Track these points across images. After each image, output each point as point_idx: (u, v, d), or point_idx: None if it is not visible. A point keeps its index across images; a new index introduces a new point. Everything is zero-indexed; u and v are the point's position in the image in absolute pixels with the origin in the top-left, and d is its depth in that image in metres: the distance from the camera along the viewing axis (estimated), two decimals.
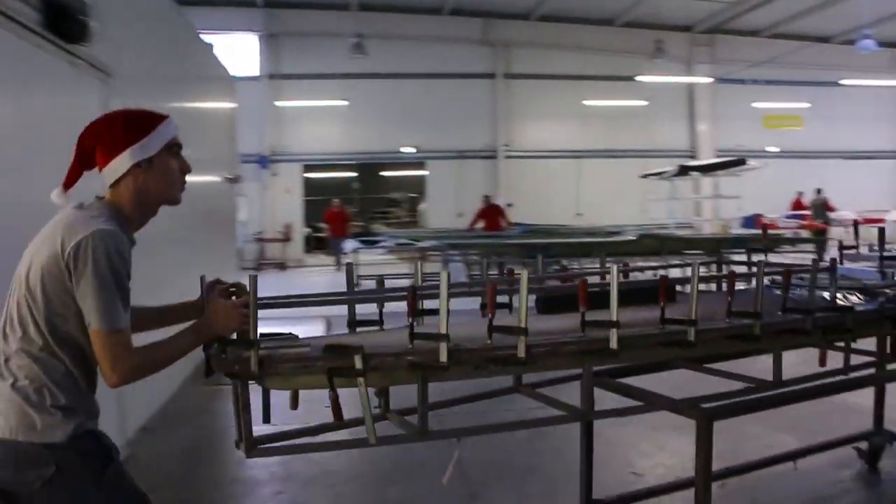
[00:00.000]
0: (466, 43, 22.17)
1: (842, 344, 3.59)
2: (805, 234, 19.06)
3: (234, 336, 2.31)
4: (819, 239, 14.40)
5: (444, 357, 2.44)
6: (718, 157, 21.14)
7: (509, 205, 20.78)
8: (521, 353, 2.53)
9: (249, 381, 2.37)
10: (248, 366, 2.27)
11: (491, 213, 16.30)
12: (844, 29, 21.23)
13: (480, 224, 16.15)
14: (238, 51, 20.46)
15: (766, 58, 21.09)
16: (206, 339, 2.27)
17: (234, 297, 2.36)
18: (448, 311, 2.43)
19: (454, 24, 21.75)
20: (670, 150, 22.95)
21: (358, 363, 2.32)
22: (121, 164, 2.13)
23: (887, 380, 3.91)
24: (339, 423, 2.55)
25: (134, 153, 2.13)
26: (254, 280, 2.25)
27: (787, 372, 3.28)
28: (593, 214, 20.67)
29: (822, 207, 19.96)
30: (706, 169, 19.19)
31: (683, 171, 19.09)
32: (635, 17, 21.52)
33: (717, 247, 11.23)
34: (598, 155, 22.85)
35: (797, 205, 21.24)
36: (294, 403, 2.58)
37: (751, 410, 3.36)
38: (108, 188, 2.18)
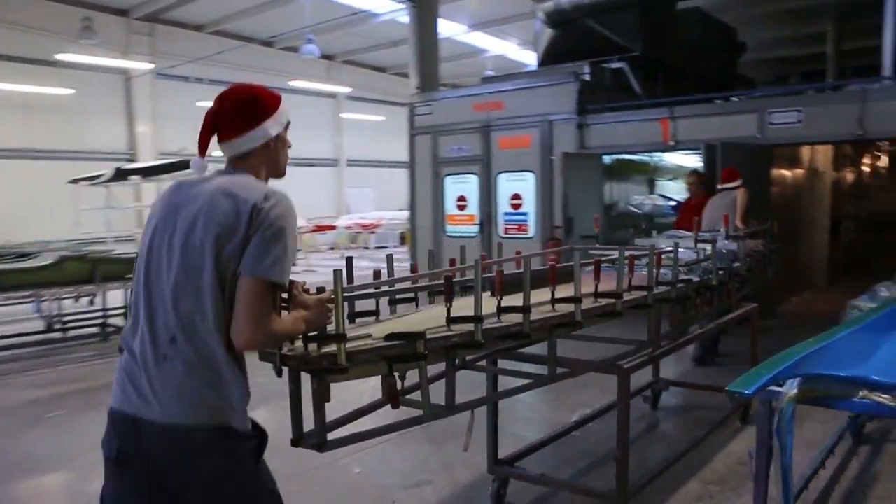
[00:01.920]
0: None
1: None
2: None
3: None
4: None
5: (479, 336, 2.77)
6: (161, 160, 18.70)
7: None
8: (527, 328, 3.00)
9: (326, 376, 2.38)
10: (334, 360, 2.31)
11: None
12: (288, 34, 20.71)
13: None
14: None
15: (210, 54, 19.39)
16: (305, 332, 2.28)
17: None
18: (481, 296, 2.77)
19: None
20: (106, 152, 19.88)
21: (420, 348, 2.54)
22: (256, 135, 2.24)
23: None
24: (395, 407, 2.65)
25: (272, 126, 2.27)
26: (339, 275, 2.28)
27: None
28: (7, 229, 16.41)
29: None
30: (148, 172, 16.67)
31: (122, 175, 16.28)
32: None
33: None
34: (10, 155, 18.42)
35: None
36: (328, 395, 2.47)
37: (654, 362, 4.54)
38: (231, 158, 2.26)
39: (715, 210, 7.68)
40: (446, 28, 18.59)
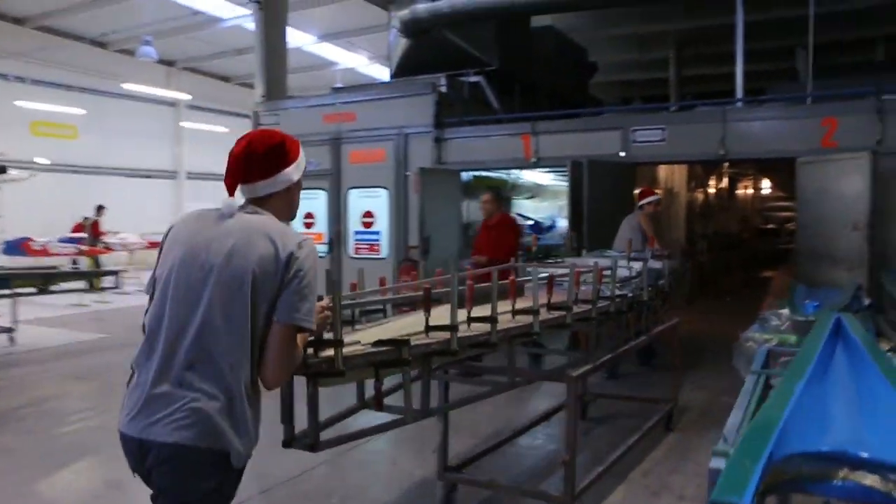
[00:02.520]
0: None
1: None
2: (86, 260, 16.48)
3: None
4: (95, 272, 11.97)
5: (454, 344, 3.02)
6: None
7: None
8: (495, 338, 3.30)
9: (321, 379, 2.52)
10: (332, 364, 2.47)
11: None
12: (123, 33, 19.13)
13: None
14: None
15: (30, 50, 17.55)
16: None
17: None
18: (456, 307, 3.05)
19: None
20: None
21: (405, 354, 2.76)
22: (280, 180, 2.38)
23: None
24: (380, 409, 2.90)
25: (294, 172, 2.42)
26: (336, 284, 2.48)
27: None
28: None
29: (91, 230, 17.42)
30: None
31: None
32: None
33: None
34: None
35: (80, 227, 18.26)
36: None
37: (597, 370, 4.71)
38: (232, 205, 2.31)
39: (624, 231, 8.09)
40: (295, 38, 17.82)
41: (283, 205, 2.40)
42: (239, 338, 2.12)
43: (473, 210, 11.91)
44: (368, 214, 11.08)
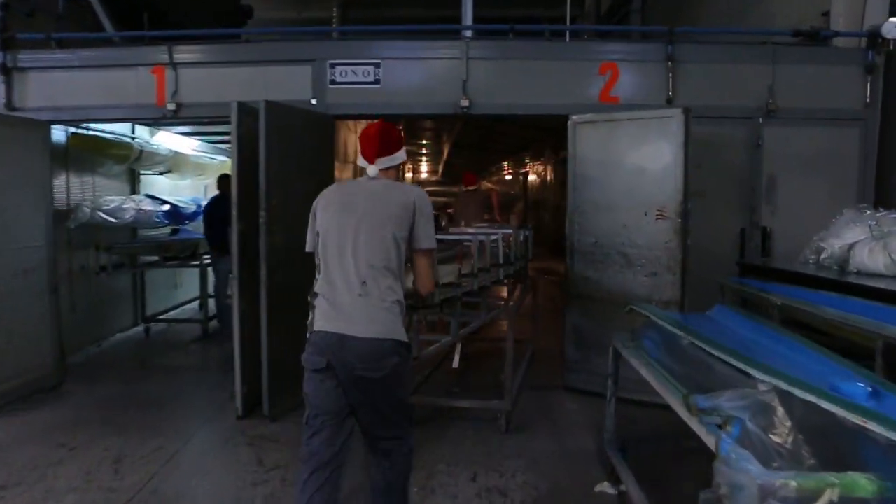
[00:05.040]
0: None
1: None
2: None
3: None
4: None
5: (476, 286, 4.80)
6: None
7: None
8: (487, 282, 5.09)
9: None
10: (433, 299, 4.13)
11: None
12: None
13: None
14: None
15: None
16: None
17: None
18: (477, 262, 4.90)
19: None
20: None
21: (460, 294, 4.63)
22: (398, 157, 3.41)
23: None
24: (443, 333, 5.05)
25: (404, 152, 3.47)
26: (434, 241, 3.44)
27: None
28: None
29: None
30: None
31: None
32: None
33: None
34: None
35: None
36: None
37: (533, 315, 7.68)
38: (376, 170, 3.33)
39: (469, 207, 9.24)
40: None
41: (396, 174, 3.44)
42: (389, 260, 3.10)
43: (79, 189, 8.10)
44: None
